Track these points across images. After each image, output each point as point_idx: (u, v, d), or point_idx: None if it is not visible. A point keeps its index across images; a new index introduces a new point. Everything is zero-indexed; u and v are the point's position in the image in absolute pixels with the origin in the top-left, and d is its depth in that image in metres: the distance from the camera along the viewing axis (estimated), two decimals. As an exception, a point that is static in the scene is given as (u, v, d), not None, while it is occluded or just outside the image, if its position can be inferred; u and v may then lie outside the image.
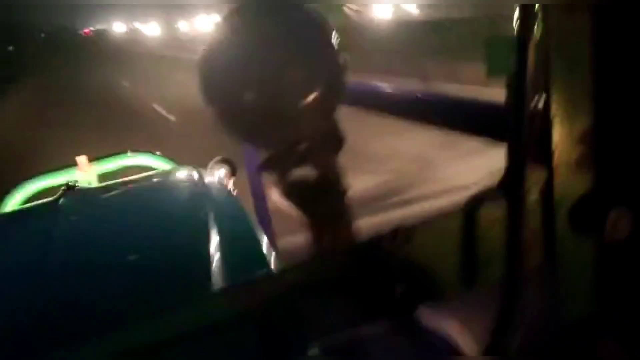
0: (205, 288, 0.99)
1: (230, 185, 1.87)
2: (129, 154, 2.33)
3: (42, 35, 68.98)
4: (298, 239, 0.72)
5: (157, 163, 2.29)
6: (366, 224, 0.75)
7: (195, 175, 1.73)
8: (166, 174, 2.04)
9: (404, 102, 0.86)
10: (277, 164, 0.71)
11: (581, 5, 0.62)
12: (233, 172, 1.95)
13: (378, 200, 4.00)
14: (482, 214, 0.66)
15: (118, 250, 1.27)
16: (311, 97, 0.65)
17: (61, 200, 1.57)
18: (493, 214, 0.63)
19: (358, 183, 4.09)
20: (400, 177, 4.56)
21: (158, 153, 2.33)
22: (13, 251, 1.39)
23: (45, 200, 1.78)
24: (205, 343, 0.54)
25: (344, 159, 0.70)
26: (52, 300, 1.00)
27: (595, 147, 0.65)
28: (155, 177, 2.01)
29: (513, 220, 0.61)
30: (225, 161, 1.97)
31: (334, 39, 0.69)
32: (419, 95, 0.84)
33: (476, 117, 0.72)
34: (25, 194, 2.11)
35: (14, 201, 2.07)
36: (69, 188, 1.68)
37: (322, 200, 0.69)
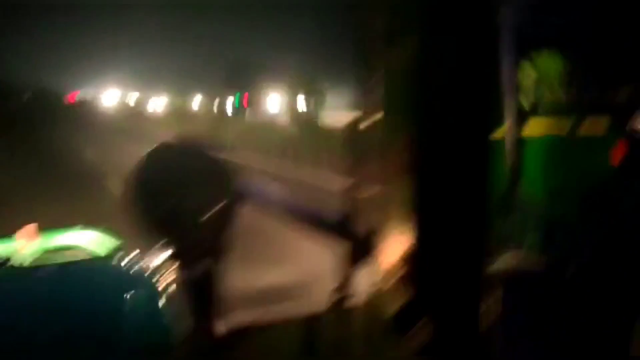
0: None
1: (172, 267, 1.96)
2: (78, 227, 2.33)
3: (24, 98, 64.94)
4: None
5: (95, 243, 2.30)
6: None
7: (125, 262, 1.82)
8: (101, 259, 2.09)
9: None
10: (181, 262, 0.92)
11: None
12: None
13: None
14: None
15: (34, 330, 1.39)
16: (206, 216, 0.89)
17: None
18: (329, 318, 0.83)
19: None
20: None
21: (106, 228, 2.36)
22: None
23: None
24: None
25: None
26: None
27: (416, 266, 0.87)
28: (86, 263, 2.05)
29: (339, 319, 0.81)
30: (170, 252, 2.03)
31: (228, 176, 0.93)
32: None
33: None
34: None
35: None
36: (6, 263, 1.73)
37: (205, 294, 0.90)
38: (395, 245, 0.86)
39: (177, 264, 0.91)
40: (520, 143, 3.19)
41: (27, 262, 1.90)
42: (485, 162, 0.82)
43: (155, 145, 0.89)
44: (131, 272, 1.73)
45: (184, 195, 0.88)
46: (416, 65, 0.82)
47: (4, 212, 7.34)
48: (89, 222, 2.38)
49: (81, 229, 2.29)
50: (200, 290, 0.90)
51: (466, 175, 0.84)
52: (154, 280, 1.74)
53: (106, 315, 1.39)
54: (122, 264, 1.79)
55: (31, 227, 2.11)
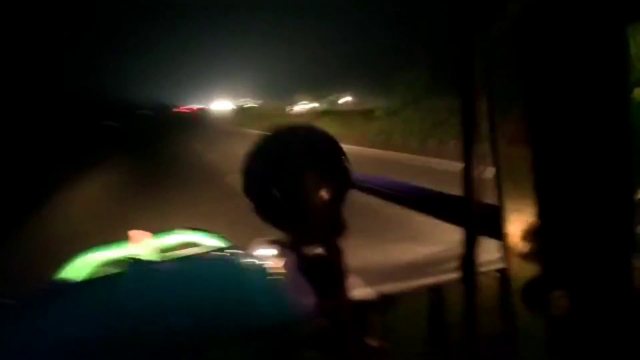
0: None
1: (279, 265, 2.07)
2: (185, 230, 2.52)
3: (138, 112, 75.83)
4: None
5: (207, 240, 2.49)
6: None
7: (240, 256, 1.94)
8: (217, 252, 2.26)
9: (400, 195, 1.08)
10: (295, 244, 0.93)
11: None
12: (282, 253, 2.11)
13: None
14: (449, 290, 0.84)
15: (172, 322, 1.48)
16: (320, 195, 0.89)
17: (128, 272, 1.76)
18: (458, 290, 0.81)
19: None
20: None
21: (209, 230, 2.54)
22: (84, 319, 1.59)
23: (112, 271, 1.96)
24: None
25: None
26: None
27: (541, 241, 0.82)
28: (208, 255, 2.22)
29: (470, 297, 0.79)
30: (275, 242, 2.14)
31: (341, 151, 0.93)
32: (402, 189, 1.06)
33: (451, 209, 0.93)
34: (84, 264, 2.31)
35: (74, 270, 2.28)
36: (134, 261, 1.89)
37: (326, 274, 0.90)
38: (519, 221, 0.81)
39: (292, 249, 0.91)
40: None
41: (152, 258, 2.07)
42: (620, 127, 0.75)
43: (266, 132, 0.91)
44: (248, 262, 1.84)
45: (297, 178, 0.89)
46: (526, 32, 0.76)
47: (121, 217, 8.23)
48: (202, 223, 2.55)
49: (189, 230, 2.46)
50: (319, 273, 0.89)
51: (599, 137, 0.77)
52: (269, 268, 1.82)
53: (234, 302, 1.46)
54: (238, 256, 1.90)
55: (139, 232, 2.29)
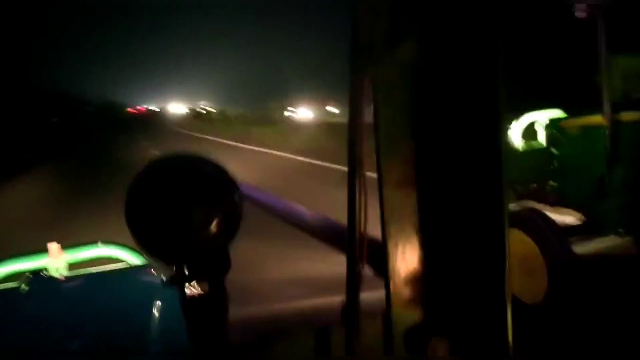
0: None
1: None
2: (99, 244, 2.42)
3: (90, 109, 73.26)
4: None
5: (126, 255, 2.40)
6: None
7: (149, 273, 1.88)
8: (127, 270, 2.18)
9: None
10: (178, 280, 0.89)
11: None
12: None
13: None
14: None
15: (68, 338, 1.41)
16: (207, 230, 0.85)
17: (27, 286, 1.68)
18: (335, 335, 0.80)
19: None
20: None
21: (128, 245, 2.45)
22: None
23: (11, 284, 1.87)
24: None
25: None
26: None
27: (424, 286, 0.82)
28: (114, 273, 2.14)
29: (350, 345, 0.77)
30: None
31: (233, 184, 0.89)
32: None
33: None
34: None
35: None
36: (35, 275, 1.80)
37: (205, 315, 0.86)
38: (403, 264, 0.80)
39: (175, 285, 0.87)
40: (616, 128, 3.22)
41: (57, 274, 1.99)
42: (496, 165, 0.76)
43: (146, 162, 0.86)
44: (155, 282, 1.78)
45: (183, 212, 0.84)
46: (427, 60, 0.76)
47: (34, 228, 7.82)
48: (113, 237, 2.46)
49: (103, 244, 2.37)
50: (198, 313, 0.85)
51: (476, 179, 0.78)
52: (173, 291, 1.76)
53: (135, 322, 1.41)
54: (146, 275, 1.84)
55: (53, 245, 2.19)
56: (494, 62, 0.74)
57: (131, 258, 2.33)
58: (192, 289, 0.89)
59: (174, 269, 0.90)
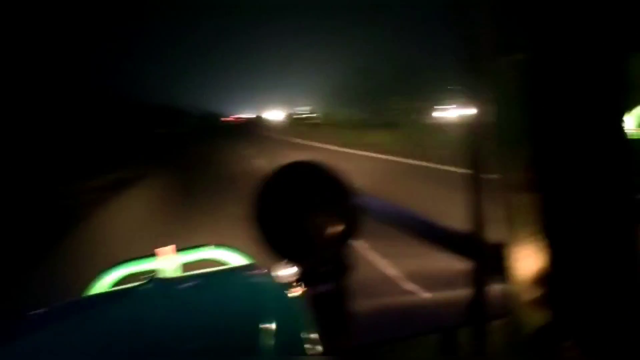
0: None
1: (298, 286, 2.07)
2: (210, 246, 2.54)
3: (193, 120, 78.89)
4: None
5: (235, 258, 2.49)
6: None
7: (263, 273, 1.95)
8: (240, 272, 2.25)
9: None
10: (304, 279, 0.94)
11: None
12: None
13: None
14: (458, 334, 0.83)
15: (188, 338, 1.50)
16: (326, 233, 0.89)
17: (147, 287, 1.79)
18: (466, 336, 0.81)
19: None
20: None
21: (238, 248, 2.55)
22: (105, 330, 1.62)
23: (131, 285, 2.00)
24: None
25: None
26: None
27: (551, 288, 0.81)
28: (231, 274, 2.22)
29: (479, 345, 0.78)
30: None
31: (351, 190, 0.93)
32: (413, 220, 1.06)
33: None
34: (112, 278, 2.35)
35: (102, 284, 2.32)
36: (153, 276, 1.92)
37: (331, 313, 0.91)
38: (529, 262, 0.79)
39: (302, 282, 0.92)
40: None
41: (172, 275, 2.10)
42: (622, 161, 0.74)
43: (276, 166, 0.92)
44: (270, 282, 1.84)
45: (305, 216, 0.89)
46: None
47: (147, 231, 8.43)
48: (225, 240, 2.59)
49: (215, 247, 2.49)
50: (324, 311, 0.90)
51: (602, 177, 0.76)
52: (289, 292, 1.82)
53: (252, 322, 1.47)
54: (260, 275, 1.92)
55: (167, 248, 2.33)
56: (614, 57, 0.72)
57: (241, 261, 2.43)
58: (317, 289, 0.94)
59: (300, 269, 0.95)
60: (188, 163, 22.00)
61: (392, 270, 5.25)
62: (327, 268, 0.93)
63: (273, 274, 2.07)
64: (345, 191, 0.93)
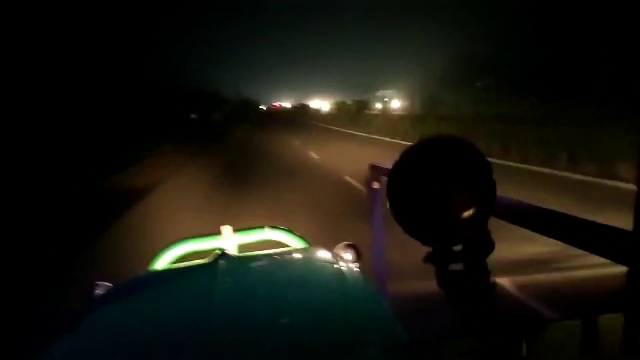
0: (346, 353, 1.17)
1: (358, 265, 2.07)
2: (266, 228, 2.56)
3: (223, 106, 79.08)
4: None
5: (290, 240, 2.51)
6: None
7: (328, 255, 1.95)
8: (303, 250, 2.26)
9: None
10: (438, 259, 0.92)
11: None
12: (358, 257, 2.12)
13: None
14: (602, 322, 0.80)
15: (268, 312, 1.49)
16: (468, 212, 0.87)
17: (217, 263, 1.80)
18: (611, 324, 0.77)
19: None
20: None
21: (292, 230, 2.56)
22: (179, 304, 1.64)
23: (202, 261, 2.02)
24: None
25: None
26: (219, 351, 1.21)
27: None
28: (294, 253, 2.23)
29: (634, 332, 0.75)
30: (351, 246, 2.17)
31: (489, 167, 0.90)
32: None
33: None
34: (175, 254, 2.40)
35: (165, 260, 2.37)
36: (223, 253, 1.94)
37: (472, 292, 0.88)
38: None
39: (433, 263, 0.90)
40: None
41: (233, 254, 2.13)
42: None
43: (415, 142, 0.90)
44: (334, 263, 1.84)
45: (445, 193, 0.87)
46: None
47: (207, 207, 8.75)
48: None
49: (269, 229, 2.50)
50: (462, 289, 0.87)
51: None
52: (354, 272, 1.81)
53: (331, 299, 1.47)
54: (323, 256, 1.91)
55: (227, 228, 2.36)
56: None
57: (295, 243, 2.43)
58: (451, 268, 0.92)
59: (433, 248, 0.93)
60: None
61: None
62: (463, 247, 0.90)
63: (336, 255, 2.06)
64: (488, 167, 0.91)
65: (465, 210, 0.86)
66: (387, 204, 0.92)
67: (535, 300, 4.30)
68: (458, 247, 0.90)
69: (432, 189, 0.87)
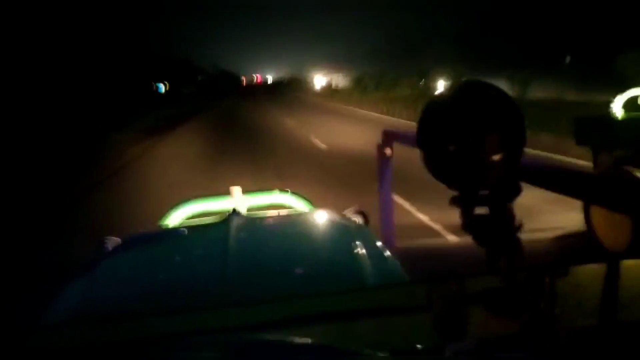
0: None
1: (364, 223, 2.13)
2: (275, 191, 2.61)
3: (199, 77, 75.52)
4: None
5: (298, 203, 2.57)
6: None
7: (337, 216, 2.00)
8: (314, 212, 2.32)
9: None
10: (464, 202, 0.94)
11: None
12: (366, 222, 2.18)
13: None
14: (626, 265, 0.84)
15: (284, 264, 1.54)
16: (497, 156, 0.89)
17: (231, 221, 1.84)
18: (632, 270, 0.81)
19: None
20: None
21: (300, 194, 2.61)
22: (192, 257, 1.68)
23: (215, 219, 2.06)
24: None
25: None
26: (233, 299, 1.24)
27: None
28: (305, 214, 2.29)
29: None
30: (359, 212, 2.23)
31: (520, 114, 0.93)
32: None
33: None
34: (186, 213, 2.45)
35: (176, 217, 2.41)
36: (235, 213, 1.97)
37: (497, 234, 0.91)
38: None
39: (460, 206, 0.93)
40: None
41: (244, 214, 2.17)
42: None
43: (444, 88, 0.92)
44: (346, 224, 1.90)
45: (476, 137, 0.89)
46: None
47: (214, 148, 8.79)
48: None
49: (279, 192, 2.55)
50: (488, 232, 0.90)
51: None
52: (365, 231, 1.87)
53: (347, 251, 1.52)
54: (334, 218, 1.97)
55: (237, 189, 2.39)
56: None
57: (304, 207, 2.48)
58: (477, 211, 0.95)
59: (460, 192, 0.95)
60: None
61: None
62: (491, 192, 0.93)
63: (345, 216, 2.11)
64: (517, 112, 0.93)
65: (494, 153, 0.89)
66: (418, 143, 0.93)
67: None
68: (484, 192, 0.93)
69: (461, 132, 0.89)
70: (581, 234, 4.71)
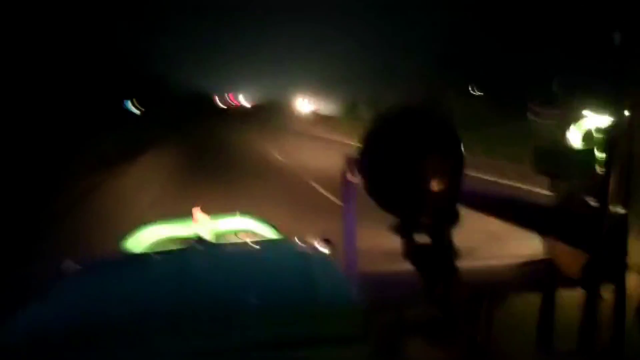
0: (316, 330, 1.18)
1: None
2: (237, 215, 2.57)
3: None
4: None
5: (261, 228, 2.53)
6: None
7: (300, 245, 1.99)
8: (276, 241, 2.29)
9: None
10: (404, 229, 0.93)
11: None
12: (331, 249, 2.17)
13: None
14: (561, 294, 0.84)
15: (239, 299, 1.50)
16: (436, 184, 0.89)
17: (191, 252, 1.81)
18: (569, 296, 0.81)
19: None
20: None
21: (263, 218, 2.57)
22: (151, 284, 1.64)
23: (177, 246, 2.01)
24: None
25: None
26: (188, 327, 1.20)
27: None
28: (268, 243, 2.26)
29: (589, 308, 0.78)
30: (324, 240, 2.21)
31: (458, 138, 0.92)
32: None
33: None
34: (149, 236, 2.38)
35: (139, 241, 2.35)
36: (198, 241, 1.94)
37: (434, 262, 0.90)
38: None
39: (400, 234, 0.92)
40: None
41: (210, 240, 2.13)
42: None
43: (377, 114, 0.91)
44: (311, 252, 1.88)
45: (414, 163, 0.88)
46: None
47: (180, 195, 8.56)
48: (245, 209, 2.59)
49: (240, 215, 2.52)
50: (427, 260, 0.89)
51: None
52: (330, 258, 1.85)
53: (301, 288, 1.49)
54: (296, 246, 1.94)
55: (199, 212, 2.35)
56: None
57: (267, 231, 2.45)
58: (417, 240, 0.94)
59: (400, 218, 0.94)
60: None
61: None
62: (430, 219, 0.92)
63: (310, 246, 2.09)
64: (452, 138, 0.92)
65: (431, 177, 0.88)
66: (358, 170, 0.92)
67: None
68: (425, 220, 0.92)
69: (398, 158, 0.88)
70: (545, 260, 4.75)
